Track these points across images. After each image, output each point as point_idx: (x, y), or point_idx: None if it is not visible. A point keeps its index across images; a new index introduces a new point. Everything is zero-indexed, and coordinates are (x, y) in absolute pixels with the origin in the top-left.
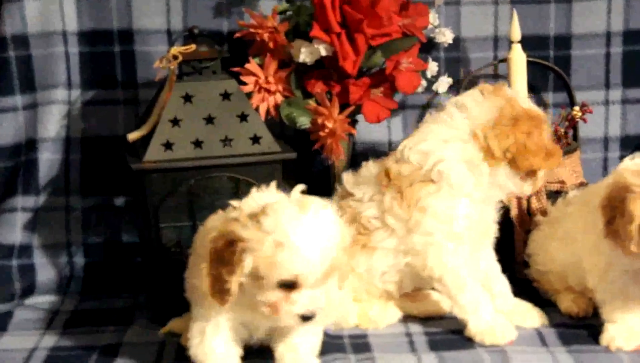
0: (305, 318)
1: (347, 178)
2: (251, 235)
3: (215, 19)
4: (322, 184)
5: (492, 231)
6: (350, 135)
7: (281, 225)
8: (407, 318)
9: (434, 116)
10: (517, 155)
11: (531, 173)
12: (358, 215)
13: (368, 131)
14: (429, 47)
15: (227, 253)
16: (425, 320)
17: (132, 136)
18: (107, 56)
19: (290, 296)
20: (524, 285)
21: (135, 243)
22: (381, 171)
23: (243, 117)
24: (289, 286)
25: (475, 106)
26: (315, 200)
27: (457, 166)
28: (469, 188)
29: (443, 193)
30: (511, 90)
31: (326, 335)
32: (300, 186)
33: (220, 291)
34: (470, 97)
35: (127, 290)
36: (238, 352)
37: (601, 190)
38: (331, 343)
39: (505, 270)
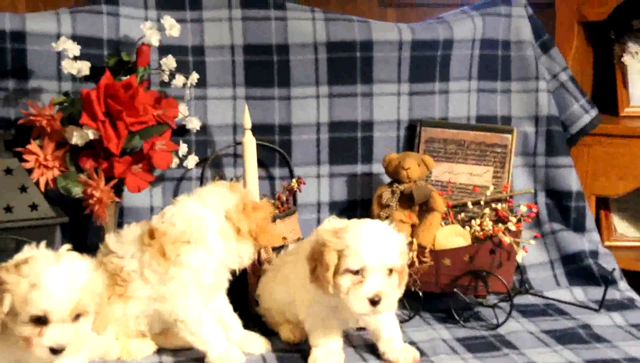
0: (54, 350)
1: (110, 237)
2: (11, 279)
3: (3, 108)
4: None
5: (225, 284)
6: (117, 202)
7: (36, 270)
8: (161, 350)
9: (197, 195)
10: (259, 233)
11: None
12: (119, 269)
13: (134, 199)
14: (182, 131)
15: None
16: (174, 351)
17: None
18: None
19: (41, 330)
20: (255, 319)
21: None
22: (144, 232)
23: (23, 189)
24: (41, 322)
25: (223, 196)
26: (69, 254)
27: (213, 235)
28: (218, 253)
29: (199, 253)
30: (242, 186)
31: None
32: (67, 246)
33: None
34: (219, 189)
35: None
36: None
37: (307, 244)
38: None
39: (240, 307)
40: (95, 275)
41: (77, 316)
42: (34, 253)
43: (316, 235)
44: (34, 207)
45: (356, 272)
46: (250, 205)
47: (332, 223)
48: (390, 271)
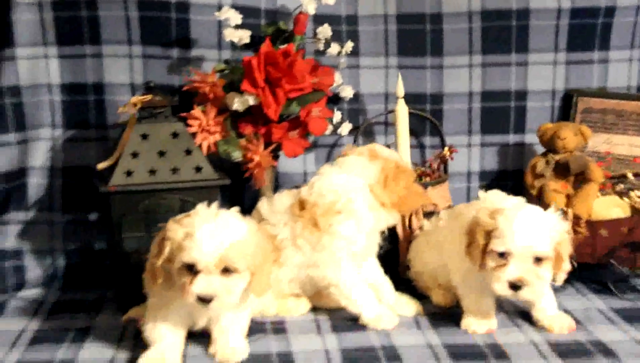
0: (203, 300)
1: (263, 205)
2: (173, 227)
3: (168, 75)
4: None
5: (376, 248)
6: (273, 166)
7: (193, 222)
8: (316, 309)
9: (339, 165)
10: (402, 203)
11: None
12: (272, 237)
13: (288, 164)
14: (335, 99)
15: (158, 243)
16: (329, 310)
17: (101, 165)
18: (84, 103)
19: (192, 279)
20: (406, 283)
21: (104, 250)
22: (294, 203)
23: (188, 152)
24: (192, 271)
25: (364, 168)
26: (228, 213)
27: (362, 206)
28: (367, 222)
29: (350, 223)
30: (383, 150)
31: (252, 320)
32: (236, 207)
33: (152, 273)
34: (360, 158)
35: (98, 286)
36: (182, 334)
37: (462, 210)
38: (256, 327)
39: (391, 272)
40: (250, 236)
41: (225, 271)
42: (199, 208)
43: (477, 212)
44: (198, 169)
45: (502, 254)
46: (391, 175)
47: (494, 196)
48: (540, 260)
